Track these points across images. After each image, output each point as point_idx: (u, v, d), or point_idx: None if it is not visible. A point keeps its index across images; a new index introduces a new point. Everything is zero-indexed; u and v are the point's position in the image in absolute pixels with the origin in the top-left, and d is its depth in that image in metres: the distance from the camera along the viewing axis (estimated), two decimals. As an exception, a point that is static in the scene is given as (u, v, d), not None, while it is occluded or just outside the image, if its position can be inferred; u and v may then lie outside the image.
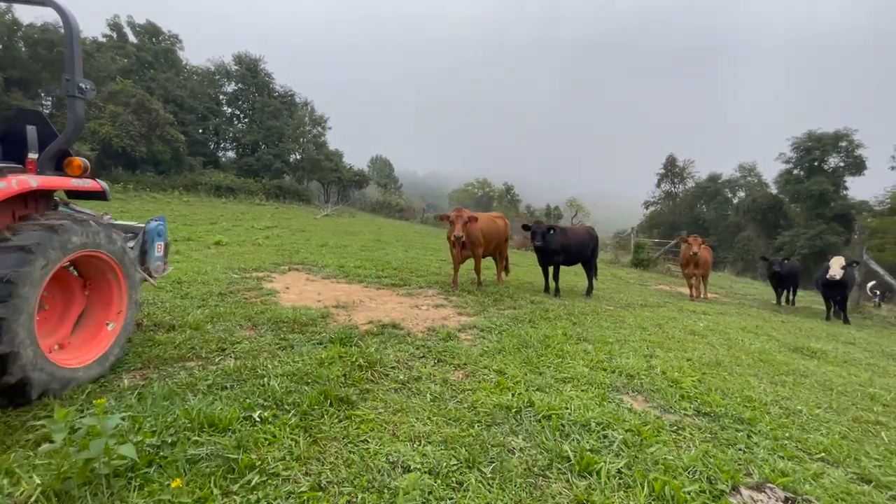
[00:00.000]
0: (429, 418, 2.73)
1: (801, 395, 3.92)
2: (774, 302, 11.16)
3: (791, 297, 11.49)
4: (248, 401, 2.67)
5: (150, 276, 3.72)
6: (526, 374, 3.57)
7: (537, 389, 3.29)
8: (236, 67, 39.64)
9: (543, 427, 2.73)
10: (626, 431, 2.74)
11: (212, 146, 39.50)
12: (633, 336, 5.24)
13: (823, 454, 2.83)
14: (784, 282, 10.89)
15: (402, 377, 3.31)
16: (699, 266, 9.36)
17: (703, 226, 49.82)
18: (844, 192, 37.56)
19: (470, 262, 7.68)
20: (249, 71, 39.59)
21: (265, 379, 3.01)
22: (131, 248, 3.37)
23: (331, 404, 2.75)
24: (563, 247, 7.47)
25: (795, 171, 39.01)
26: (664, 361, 4.30)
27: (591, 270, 8.22)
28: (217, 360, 3.39)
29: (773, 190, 44.45)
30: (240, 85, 40.26)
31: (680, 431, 2.88)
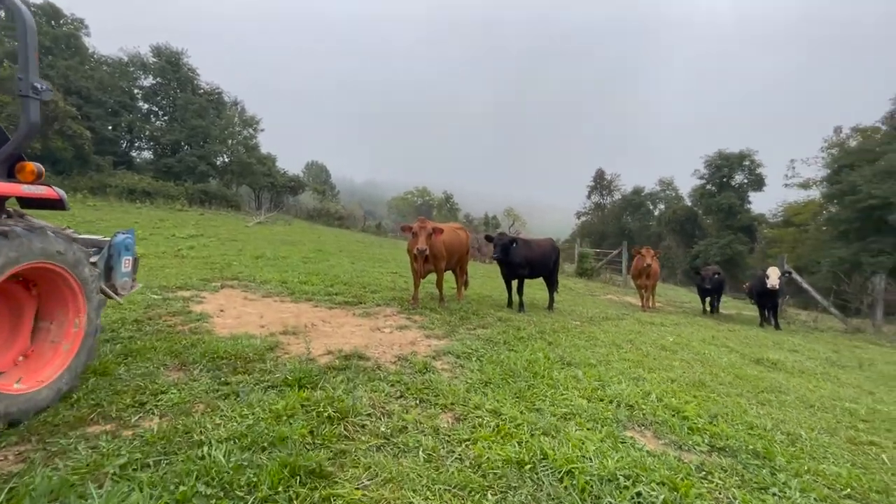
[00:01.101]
0: (429, 488, 2.16)
1: (790, 415, 3.82)
2: (702, 310, 11.63)
3: (716, 305, 12.04)
4: (181, 488, 1.92)
5: (116, 293, 3.44)
6: (523, 413, 3.10)
7: (543, 433, 2.82)
8: (154, 59, 35.98)
9: (568, 489, 2.26)
10: (659, 485, 2.35)
11: (124, 145, 35.39)
12: (613, 356, 4.98)
13: (849, 490, 2.63)
14: (711, 291, 11.33)
15: (383, 429, 2.69)
16: (650, 277, 9.58)
17: (629, 235, 53.25)
18: (748, 206, 41.94)
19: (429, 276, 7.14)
20: (170, 64, 36.10)
21: (205, 448, 2.26)
22: (94, 262, 3.13)
23: (300, 481, 2.08)
24: (528, 260, 7.19)
25: (708, 187, 42.93)
26: (654, 385, 4.04)
27: (552, 284, 8.02)
28: (134, 420, 2.56)
29: (688, 202, 48.75)
30: (158, 79, 36.56)
31: (709, 477, 2.55)
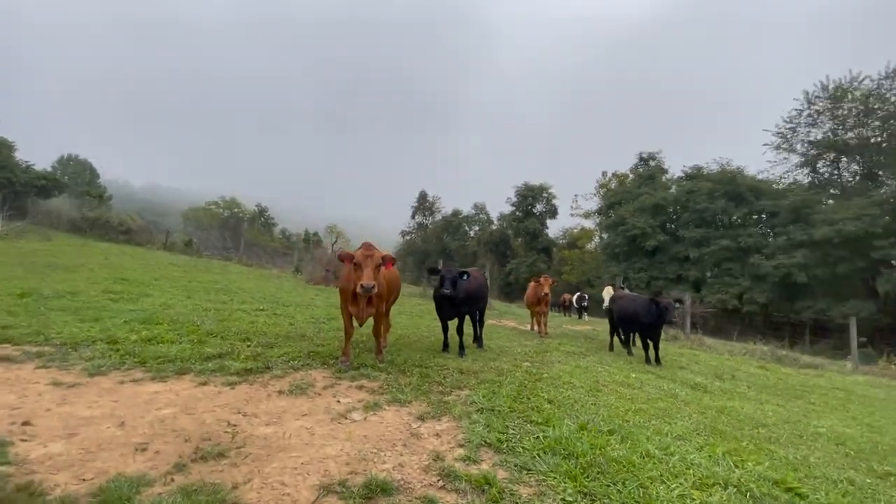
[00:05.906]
0: None
1: (856, 464, 3.88)
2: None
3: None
4: None
5: None
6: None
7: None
8: None
9: None
10: None
11: None
12: (616, 407, 4.42)
13: None
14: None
15: None
16: (546, 304, 9.75)
17: (449, 254, 57.39)
18: (546, 231, 50.06)
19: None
20: None
21: None
22: None
23: None
24: (469, 294, 6.20)
25: (517, 213, 49.60)
26: (702, 444, 3.61)
27: (482, 319, 7.20)
28: None
29: (496, 225, 55.40)
30: None
31: None
